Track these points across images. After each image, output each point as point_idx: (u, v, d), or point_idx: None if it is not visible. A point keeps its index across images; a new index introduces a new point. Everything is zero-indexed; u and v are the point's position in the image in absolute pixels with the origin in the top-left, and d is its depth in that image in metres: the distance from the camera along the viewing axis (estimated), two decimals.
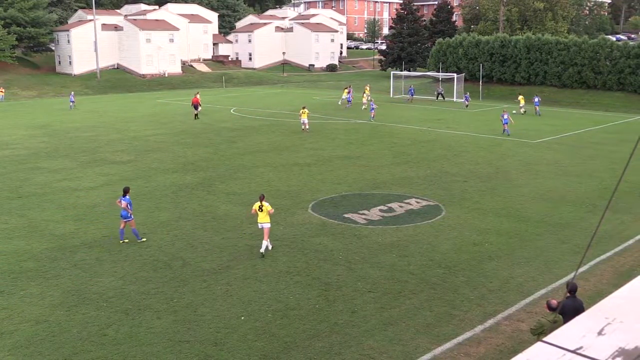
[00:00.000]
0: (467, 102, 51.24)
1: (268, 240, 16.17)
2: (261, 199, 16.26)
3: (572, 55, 58.09)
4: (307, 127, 37.79)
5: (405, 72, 67.97)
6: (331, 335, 11.82)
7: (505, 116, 36.69)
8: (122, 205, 16.94)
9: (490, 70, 63.25)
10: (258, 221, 16.26)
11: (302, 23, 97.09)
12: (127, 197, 17.08)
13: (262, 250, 16.06)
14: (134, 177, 25.19)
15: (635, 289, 2.88)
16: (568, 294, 10.30)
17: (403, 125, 40.74)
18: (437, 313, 12.75)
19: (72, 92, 56.62)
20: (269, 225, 16.15)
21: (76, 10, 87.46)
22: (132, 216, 17.13)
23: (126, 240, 17.12)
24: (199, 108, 44.77)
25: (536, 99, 47.96)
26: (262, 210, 16.01)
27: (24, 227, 18.66)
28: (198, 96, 45.65)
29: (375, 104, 43.97)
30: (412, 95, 56.53)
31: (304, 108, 38.32)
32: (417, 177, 25.21)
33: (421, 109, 51.01)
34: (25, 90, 66.40)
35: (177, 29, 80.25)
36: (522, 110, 47.24)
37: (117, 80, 73.58)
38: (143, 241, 17.12)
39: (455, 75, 58.35)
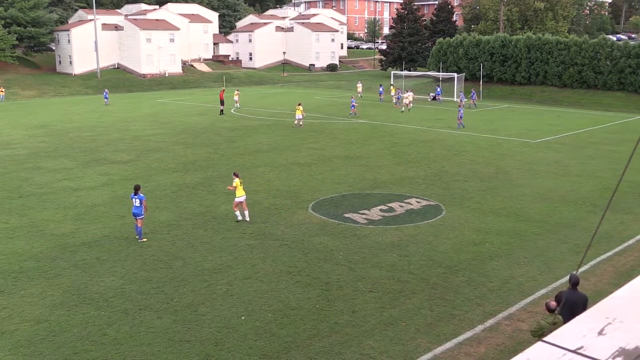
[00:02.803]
0: (463, 102, 50.61)
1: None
2: (237, 175, 19.08)
3: (572, 55, 58.09)
4: (300, 123, 38.93)
5: (405, 72, 68.02)
6: (331, 335, 11.82)
7: (461, 111, 39.57)
8: (137, 203, 16.98)
9: (491, 70, 63.26)
10: (239, 195, 18.67)
11: (303, 23, 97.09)
12: (141, 194, 17.18)
13: (248, 218, 18.93)
14: (134, 176, 25.19)
15: (636, 289, 2.88)
16: (570, 287, 10.39)
17: (403, 125, 40.75)
18: (438, 313, 12.75)
19: (106, 90, 58.01)
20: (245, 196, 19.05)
21: (76, 10, 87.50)
22: (144, 214, 17.25)
23: (144, 240, 17.20)
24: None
25: (472, 93, 53.06)
26: (241, 185, 18.78)
27: (24, 226, 18.66)
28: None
29: (356, 102, 46.66)
30: (439, 94, 56.97)
31: (299, 105, 39.87)
32: (417, 177, 25.21)
33: (421, 109, 50.98)
34: (26, 90, 66.41)
35: (178, 29, 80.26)
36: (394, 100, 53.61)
37: (118, 80, 73.60)
38: (144, 241, 17.14)
39: (455, 75, 58.37)
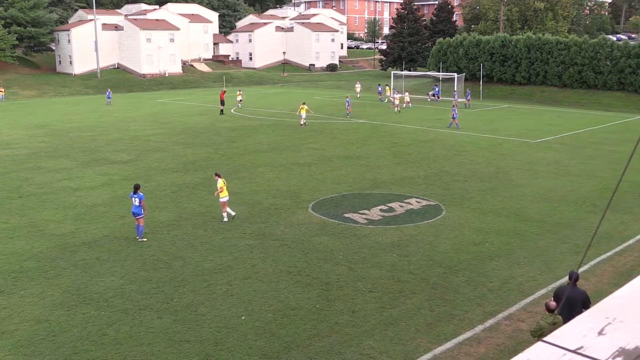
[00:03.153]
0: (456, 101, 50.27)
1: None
2: (219, 175, 19.04)
3: (572, 55, 58.09)
4: (301, 122, 39.26)
5: (405, 72, 68.02)
6: (331, 335, 11.82)
7: (456, 110, 39.72)
8: (137, 202, 16.99)
9: (491, 70, 63.24)
10: (223, 196, 18.65)
11: (303, 23, 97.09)
12: (141, 194, 17.18)
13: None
14: (134, 176, 25.18)
15: (636, 289, 2.88)
16: (570, 283, 10.49)
17: (403, 125, 40.75)
18: (438, 313, 12.75)
19: (109, 90, 58.34)
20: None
21: (76, 10, 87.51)
22: (145, 213, 17.29)
23: (144, 239, 17.23)
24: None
25: (468, 93, 52.77)
26: (224, 185, 18.75)
27: (24, 227, 18.66)
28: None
29: (351, 101, 47.05)
30: (437, 94, 56.91)
31: (303, 104, 40.15)
32: (417, 177, 25.21)
33: (421, 109, 50.98)
34: (26, 90, 66.41)
35: (178, 29, 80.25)
36: (390, 99, 53.04)
37: (118, 80, 73.59)
38: (144, 241, 17.14)
39: (455, 75, 58.37)
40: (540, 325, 9.55)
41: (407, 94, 52.65)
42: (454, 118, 39.06)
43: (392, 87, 57.72)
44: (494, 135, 36.21)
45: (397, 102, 48.48)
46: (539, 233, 18.03)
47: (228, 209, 18.98)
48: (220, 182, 18.66)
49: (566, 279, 14.20)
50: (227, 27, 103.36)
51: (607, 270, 15.10)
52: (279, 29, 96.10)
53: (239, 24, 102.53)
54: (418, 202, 21.35)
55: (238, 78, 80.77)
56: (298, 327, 12.13)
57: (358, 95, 59.40)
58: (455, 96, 51.42)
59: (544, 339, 2.45)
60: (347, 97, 48.29)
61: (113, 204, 21.18)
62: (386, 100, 55.30)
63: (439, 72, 63.75)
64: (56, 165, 27.95)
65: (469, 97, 52.02)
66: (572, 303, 9.80)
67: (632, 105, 52.40)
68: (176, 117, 45.06)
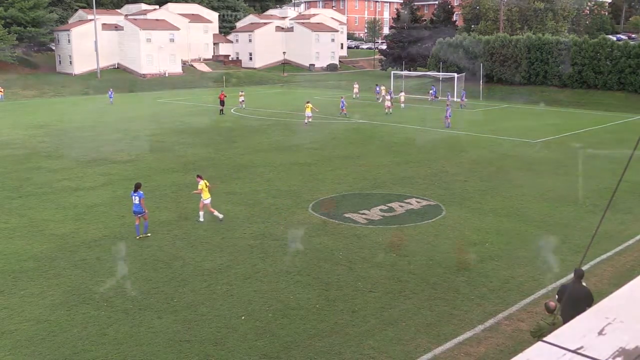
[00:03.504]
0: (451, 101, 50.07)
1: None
2: (201, 177, 18.82)
3: (572, 55, 58.06)
4: (306, 121, 39.58)
5: (405, 72, 67.98)
6: (331, 334, 11.82)
7: (449, 110, 39.59)
8: (136, 201, 17.05)
9: (491, 70, 63.20)
10: (205, 198, 18.51)
11: (303, 23, 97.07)
12: (141, 192, 17.21)
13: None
14: (134, 176, 25.15)
15: (636, 289, 2.88)
16: (574, 280, 10.52)
17: (403, 125, 40.75)
18: (438, 313, 12.75)
19: (111, 89, 58.30)
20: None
21: (76, 10, 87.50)
22: (146, 211, 17.39)
23: (147, 235, 17.31)
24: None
25: (463, 93, 52.74)
26: (207, 187, 18.59)
27: (24, 226, 18.66)
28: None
29: (346, 102, 46.69)
30: (434, 94, 56.81)
31: (308, 102, 40.55)
32: (417, 177, 25.21)
33: (421, 108, 50.99)
34: (26, 90, 66.38)
35: (178, 29, 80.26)
36: (385, 99, 51.19)
37: (118, 80, 73.54)
38: (147, 236, 17.22)
39: (455, 75, 58.33)
40: (540, 326, 9.54)
41: (402, 94, 52.50)
42: (447, 117, 39.11)
43: (389, 87, 57.60)
44: (494, 135, 36.21)
45: (388, 104, 47.72)
46: (539, 233, 18.03)
47: (201, 213, 18.87)
48: (202, 184, 18.50)
49: (566, 278, 14.23)
50: (227, 27, 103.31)
51: (607, 270, 15.10)
52: (279, 29, 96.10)
53: (239, 24, 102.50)
54: (418, 202, 21.35)
55: (238, 78, 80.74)
56: (298, 327, 12.13)
57: (356, 96, 59.29)
58: (449, 96, 51.48)
59: (544, 339, 2.45)
60: (342, 98, 48.07)
61: (113, 204, 21.18)
62: (381, 100, 55.21)
63: (439, 72, 63.71)
64: (56, 165, 27.95)
65: (463, 97, 51.99)
66: (575, 301, 9.79)
67: (632, 105, 52.35)
68: (176, 117, 45.05)
